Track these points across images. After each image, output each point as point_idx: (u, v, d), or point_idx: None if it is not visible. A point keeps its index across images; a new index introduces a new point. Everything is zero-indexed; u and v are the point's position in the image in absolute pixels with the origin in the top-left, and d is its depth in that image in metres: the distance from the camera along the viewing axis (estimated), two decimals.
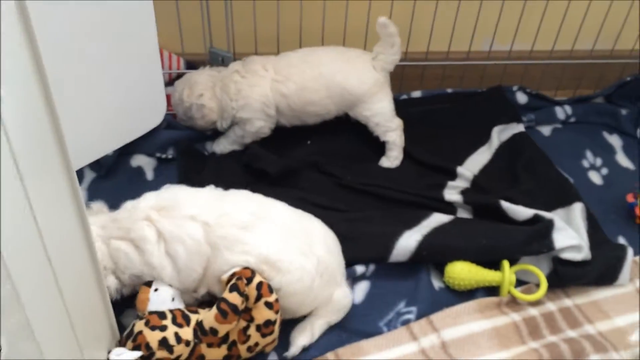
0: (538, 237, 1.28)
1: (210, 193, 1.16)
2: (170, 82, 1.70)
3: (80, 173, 1.39)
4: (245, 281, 1.03)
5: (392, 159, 1.53)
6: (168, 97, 1.67)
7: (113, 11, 1.06)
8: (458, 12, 1.61)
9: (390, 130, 1.50)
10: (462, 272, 1.24)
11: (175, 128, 1.56)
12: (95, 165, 1.41)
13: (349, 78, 1.45)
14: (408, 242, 1.27)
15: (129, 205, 1.12)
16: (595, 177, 1.58)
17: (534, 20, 1.65)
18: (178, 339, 1.02)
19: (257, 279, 1.05)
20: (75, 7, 1.00)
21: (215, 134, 1.56)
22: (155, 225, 1.08)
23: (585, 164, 1.61)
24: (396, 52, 1.45)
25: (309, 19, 1.58)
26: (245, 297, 1.04)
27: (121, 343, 1.05)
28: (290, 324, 1.17)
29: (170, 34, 1.54)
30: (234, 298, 1.01)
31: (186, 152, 1.50)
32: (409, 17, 1.61)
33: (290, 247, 1.11)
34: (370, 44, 1.62)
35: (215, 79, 1.46)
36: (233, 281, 1.03)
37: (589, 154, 1.63)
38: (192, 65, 1.66)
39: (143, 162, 1.47)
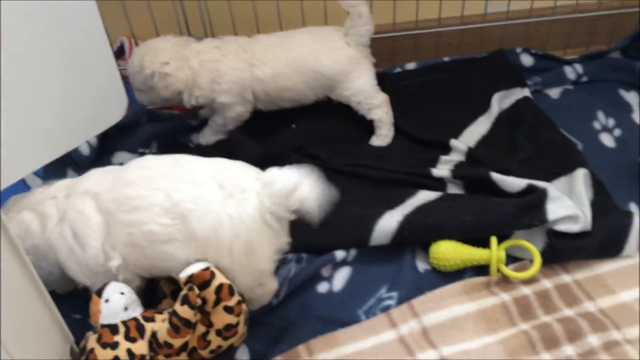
0: (529, 209, 1.17)
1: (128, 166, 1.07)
2: None
3: (62, 171, 1.39)
4: (197, 290, 0.97)
5: (381, 137, 1.45)
6: None
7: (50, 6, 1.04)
8: None
9: (375, 107, 1.42)
10: (447, 251, 1.16)
11: (157, 121, 1.54)
12: (75, 165, 1.40)
13: (321, 60, 1.38)
14: (388, 222, 1.20)
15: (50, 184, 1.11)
16: (607, 140, 1.45)
17: None
18: (131, 355, 0.96)
19: (216, 281, 0.98)
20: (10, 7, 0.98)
21: (201, 125, 1.52)
22: (57, 205, 1.05)
23: (597, 125, 1.48)
24: (366, 22, 1.36)
25: (287, 5, 1.51)
26: (202, 304, 0.99)
27: (77, 355, 1.01)
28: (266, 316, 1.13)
29: (144, 25, 1.52)
30: (185, 312, 0.95)
31: (169, 145, 1.47)
32: None
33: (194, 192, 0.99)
34: None
35: (184, 49, 1.37)
36: (185, 291, 0.97)
37: (600, 115, 1.49)
38: None
39: (126, 158, 1.46)
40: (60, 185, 1.09)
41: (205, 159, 1.05)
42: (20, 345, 0.81)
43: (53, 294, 1.17)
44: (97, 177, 1.08)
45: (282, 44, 1.40)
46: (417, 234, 1.19)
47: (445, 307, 1.10)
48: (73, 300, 1.16)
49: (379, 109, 1.42)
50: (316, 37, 1.40)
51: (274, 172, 1.00)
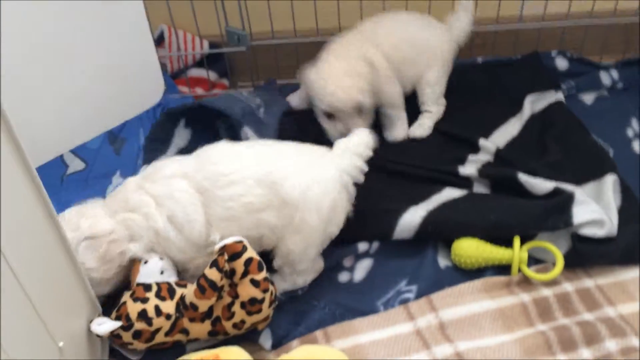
0: (555, 211, 1.17)
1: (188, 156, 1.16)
2: (193, 64, 1.72)
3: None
4: (226, 257, 1.01)
5: (424, 127, 1.47)
6: (192, 79, 1.71)
7: None
8: None
9: (438, 98, 1.49)
10: (469, 249, 1.17)
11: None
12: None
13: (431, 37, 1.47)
14: (413, 217, 1.21)
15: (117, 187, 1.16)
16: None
17: None
18: (158, 311, 1.02)
19: (247, 254, 1.03)
20: None
21: None
22: (148, 192, 1.10)
23: (630, 133, 1.46)
24: (470, 20, 1.48)
25: None
26: (231, 273, 1.03)
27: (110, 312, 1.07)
28: (289, 303, 1.16)
29: (187, 17, 1.55)
30: (213, 274, 1.00)
31: None
32: None
33: (282, 164, 1.11)
34: None
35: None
36: (216, 257, 1.01)
37: (634, 122, 1.48)
38: (214, 45, 1.67)
39: None
40: (137, 179, 1.14)
41: (283, 143, 1.19)
42: (51, 308, 0.85)
43: None
44: (175, 163, 1.13)
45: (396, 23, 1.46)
46: (440, 230, 1.20)
47: (464, 303, 1.11)
48: None
49: (438, 101, 1.48)
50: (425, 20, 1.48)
51: (341, 141, 1.15)
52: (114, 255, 1.07)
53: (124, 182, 1.15)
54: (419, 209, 1.23)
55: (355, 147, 1.13)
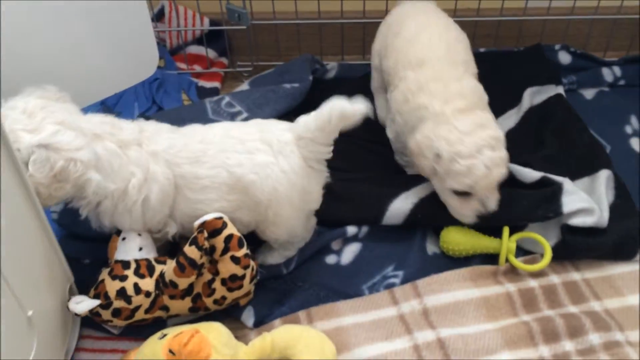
0: (544, 201, 1.16)
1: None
2: (193, 40, 1.71)
3: None
4: (206, 234, 1.00)
5: None
6: (191, 55, 1.69)
7: None
8: None
9: None
10: (457, 236, 1.16)
11: None
12: None
13: None
14: (403, 204, 1.20)
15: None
16: (638, 145, 1.42)
17: None
18: (137, 289, 1.01)
19: (227, 230, 1.02)
20: None
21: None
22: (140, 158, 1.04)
23: (629, 130, 1.45)
24: None
25: None
26: (211, 249, 1.02)
27: (88, 289, 1.06)
28: (274, 282, 1.15)
29: None
30: (192, 252, 0.99)
31: None
32: None
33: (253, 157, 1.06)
34: (393, 2, 1.55)
35: None
36: (195, 234, 1.00)
37: (633, 120, 1.47)
38: (215, 23, 1.66)
39: None
40: (133, 129, 1.06)
41: (246, 123, 1.14)
42: (20, 277, 0.84)
43: (68, 237, 1.22)
44: (165, 138, 1.07)
45: None
46: (430, 218, 1.19)
47: (449, 290, 1.10)
48: (85, 245, 1.20)
49: None
50: None
51: (300, 119, 1.08)
52: (69, 177, 0.94)
53: (136, 121, 1.09)
54: (410, 195, 1.22)
55: (311, 132, 1.05)
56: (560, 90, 1.49)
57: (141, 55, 1.23)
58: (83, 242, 1.21)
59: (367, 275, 1.17)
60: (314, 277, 1.16)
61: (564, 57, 1.60)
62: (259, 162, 1.05)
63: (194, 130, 1.11)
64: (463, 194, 1.10)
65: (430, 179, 1.16)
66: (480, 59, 1.58)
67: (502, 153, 1.09)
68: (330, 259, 1.20)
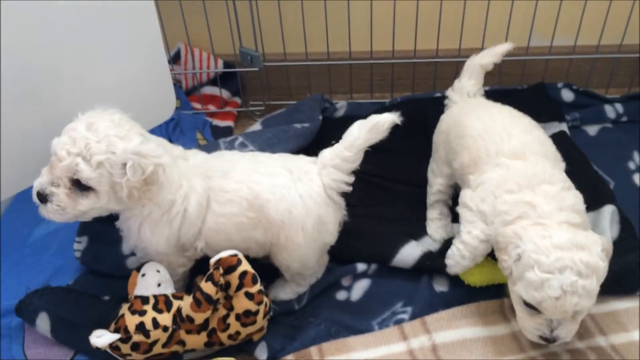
0: None
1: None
2: (207, 82, 1.78)
3: None
4: (222, 271, 1.05)
5: None
6: (205, 96, 1.76)
7: (111, 3, 1.13)
8: (489, 6, 1.55)
9: None
10: (477, 266, 1.17)
11: None
12: None
13: None
14: (413, 251, 1.25)
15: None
16: None
17: (576, 12, 1.54)
18: (155, 324, 1.05)
19: (242, 267, 1.06)
20: (76, 6, 1.08)
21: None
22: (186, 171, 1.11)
23: (632, 166, 1.48)
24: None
25: (335, 16, 1.58)
26: (226, 286, 1.06)
27: (110, 322, 1.10)
28: (286, 318, 1.19)
29: (201, 35, 1.61)
30: (208, 288, 1.03)
31: None
32: (437, 14, 1.56)
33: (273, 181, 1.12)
34: (399, 43, 1.61)
35: None
36: (211, 270, 1.05)
37: (636, 155, 1.50)
38: (228, 64, 1.72)
39: None
40: (179, 148, 1.16)
41: (273, 154, 1.21)
42: None
43: (89, 274, 1.27)
44: (202, 155, 1.17)
45: None
46: (438, 264, 1.22)
47: (457, 327, 1.13)
48: (105, 282, 1.25)
49: None
50: None
51: (324, 152, 1.15)
52: (157, 179, 1.04)
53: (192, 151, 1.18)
54: (420, 245, 1.27)
55: (335, 159, 1.12)
56: (563, 127, 1.54)
57: (159, 98, 1.29)
58: (103, 279, 1.26)
59: (377, 311, 1.20)
60: (325, 313, 1.20)
61: (567, 95, 1.64)
62: (276, 183, 1.12)
63: (224, 152, 1.20)
64: (532, 307, 1.01)
65: (507, 277, 1.07)
66: (485, 97, 1.66)
67: (589, 283, 0.97)
68: (341, 295, 1.24)
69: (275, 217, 1.11)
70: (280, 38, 1.63)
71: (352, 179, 1.14)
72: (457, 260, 1.16)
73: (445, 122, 1.33)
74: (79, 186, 1.01)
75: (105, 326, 1.10)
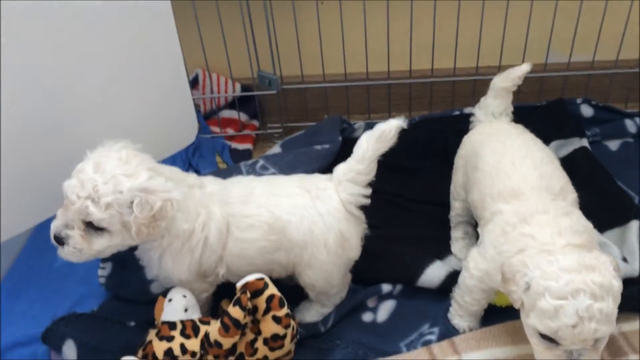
0: None
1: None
2: (225, 105, 1.79)
3: None
4: (249, 295, 1.04)
5: None
6: (224, 119, 1.77)
7: (134, 31, 1.15)
8: (506, 24, 1.55)
9: None
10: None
11: None
12: None
13: None
14: (438, 271, 1.25)
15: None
16: None
17: (593, 28, 1.54)
18: (184, 350, 1.05)
19: (268, 291, 1.06)
20: (97, 32, 1.09)
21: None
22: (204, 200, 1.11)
23: None
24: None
25: (351, 37, 1.59)
26: (253, 310, 1.05)
27: (137, 348, 1.10)
28: (312, 341, 1.18)
29: (221, 61, 1.63)
30: (236, 312, 1.02)
31: None
32: (454, 32, 1.57)
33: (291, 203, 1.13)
34: (416, 63, 1.61)
35: None
36: (238, 295, 1.04)
37: None
38: (246, 88, 1.74)
39: None
40: (194, 176, 1.15)
41: (289, 176, 1.21)
42: None
43: (114, 300, 1.27)
44: (219, 182, 1.16)
45: None
46: None
47: (487, 347, 1.11)
48: (130, 308, 1.25)
49: None
50: None
51: (337, 168, 1.15)
52: (166, 215, 1.02)
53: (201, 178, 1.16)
54: (445, 265, 1.26)
55: (349, 174, 1.12)
56: (584, 142, 1.53)
57: (182, 123, 1.30)
58: (129, 304, 1.26)
59: (404, 333, 1.19)
60: (351, 335, 1.19)
61: (586, 110, 1.63)
62: (295, 204, 1.12)
63: (241, 178, 1.20)
64: (549, 339, 0.94)
65: (520, 310, 1.00)
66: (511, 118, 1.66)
67: (606, 306, 0.90)
68: (367, 317, 1.23)
69: (297, 238, 1.11)
70: (297, 60, 1.64)
71: (369, 191, 1.14)
72: (453, 317, 1.18)
73: (465, 147, 1.31)
74: (93, 227, 1.01)
75: (132, 352, 1.10)
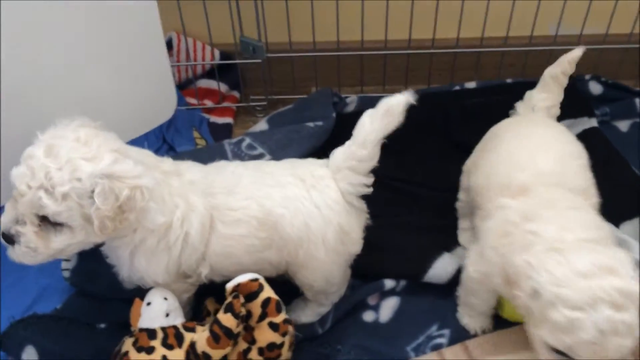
0: None
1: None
2: (203, 74, 1.62)
3: None
4: (242, 299, 0.91)
5: None
6: (201, 90, 1.60)
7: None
8: None
9: None
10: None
11: None
12: None
13: None
14: (447, 264, 1.14)
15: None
16: None
17: None
18: None
19: (264, 294, 0.93)
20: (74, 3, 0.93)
21: None
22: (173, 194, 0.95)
23: None
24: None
25: (346, 2, 1.43)
26: (246, 316, 0.92)
27: (111, 357, 0.95)
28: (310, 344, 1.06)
29: (198, 24, 1.45)
30: (227, 320, 0.89)
31: None
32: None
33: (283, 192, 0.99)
34: (416, 32, 1.48)
35: None
36: (229, 299, 0.91)
37: None
38: (226, 55, 1.57)
39: None
40: (171, 161, 0.99)
41: (278, 162, 1.07)
42: None
43: (80, 297, 1.12)
44: (200, 169, 1.01)
45: None
46: None
47: (504, 353, 1.02)
48: (99, 306, 1.10)
49: None
50: None
51: (335, 153, 1.01)
52: (135, 206, 0.86)
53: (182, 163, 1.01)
54: (454, 257, 1.15)
55: (350, 161, 0.99)
56: (594, 122, 1.43)
57: (159, 96, 1.14)
58: (98, 302, 1.11)
59: (410, 335, 1.08)
60: (352, 339, 1.07)
61: (595, 88, 1.52)
62: (288, 195, 0.98)
63: (226, 164, 1.05)
64: (562, 354, 0.82)
65: (524, 318, 0.89)
66: (507, 90, 1.54)
67: (629, 316, 0.77)
68: (368, 316, 1.11)
69: (291, 234, 0.97)
70: (285, 26, 1.48)
71: (371, 179, 1.00)
72: (463, 317, 1.08)
73: (490, 132, 1.17)
74: (49, 222, 0.85)
75: (103, 359, 0.96)
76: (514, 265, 0.86)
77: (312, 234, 0.98)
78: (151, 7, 1.05)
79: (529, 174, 0.99)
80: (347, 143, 0.99)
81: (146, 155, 0.96)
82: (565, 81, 1.16)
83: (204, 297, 1.07)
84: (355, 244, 1.04)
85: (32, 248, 0.86)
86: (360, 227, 1.04)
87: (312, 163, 1.05)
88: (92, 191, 0.83)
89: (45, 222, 0.85)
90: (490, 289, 1.00)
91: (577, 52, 1.13)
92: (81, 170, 0.83)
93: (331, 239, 0.99)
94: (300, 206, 0.98)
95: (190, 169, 1.00)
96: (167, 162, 0.98)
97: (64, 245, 0.87)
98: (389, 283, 1.13)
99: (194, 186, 0.97)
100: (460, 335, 1.06)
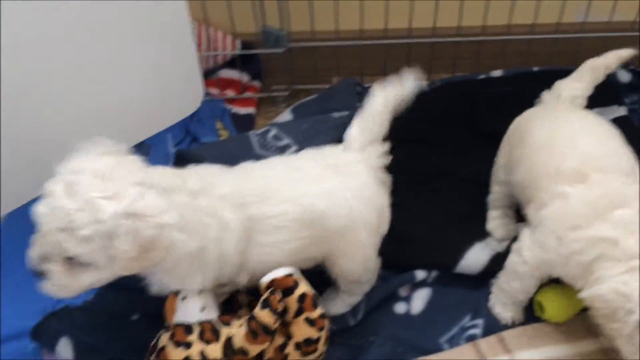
0: None
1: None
2: (224, 64, 1.60)
3: None
4: (279, 295, 0.90)
5: None
6: (223, 80, 1.59)
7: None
8: None
9: None
10: (558, 304, 1.02)
11: None
12: None
13: None
14: (479, 255, 1.12)
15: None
16: None
17: None
18: (204, 358, 0.90)
19: (300, 289, 0.91)
20: None
21: None
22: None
23: None
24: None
25: None
26: (283, 312, 0.91)
27: (147, 354, 0.95)
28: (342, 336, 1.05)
29: (219, 13, 1.44)
30: (265, 316, 0.88)
31: None
32: None
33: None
34: (440, 19, 1.45)
35: None
36: (266, 295, 0.89)
37: None
38: (248, 45, 1.55)
39: None
40: (196, 176, 0.93)
41: (304, 155, 1.04)
42: None
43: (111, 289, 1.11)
44: (229, 179, 0.96)
45: None
46: None
47: (541, 345, 1.00)
48: (132, 297, 1.09)
49: None
50: None
51: (351, 133, 1.02)
52: (161, 245, 0.82)
53: (188, 169, 0.95)
54: (487, 248, 1.14)
55: (367, 135, 1.01)
56: (623, 111, 1.41)
57: (186, 88, 1.12)
58: (129, 293, 1.09)
59: (444, 327, 1.06)
60: (385, 330, 1.06)
61: (624, 76, 1.50)
62: (325, 188, 0.96)
63: (252, 167, 1.00)
64: None
65: (616, 341, 0.87)
66: (534, 79, 1.52)
67: None
68: (400, 308, 1.10)
69: (337, 225, 0.95)
70: (307, 15, 1.45)
71: (387, 146, 1.02)
72: (495, 306, 1.07)
73: (514, 124, 1.16)
74: (76, 260, 0.81)
75: (137, 352, 0.95)
76: (604, 299, 0.85)
77: (356, 220, 0.97)
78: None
79: (577, 159, 0.97)
80: (357, 120, 1.02)
81: (170, 175, 0.91)
82: (602, 76, 1.14)
83: None
84: (386, 221, 1.03)
85: (63, 284, 0.83)
86: (389, 202, 1.03)
87: (336, 150, 1.03)
88: (115, 232, 0.78)
89: (72, 260, 0.81)
90: (540, 276, 0.99)
91: (628, 52, 1.13)
92: (103, 211, 0.78)
93: (373, 221, 0.99)
94: (340, 196, 0.96)
95: (217, 182, 0.94)
96: (191, 179, 0.92)
97: (92, 281, 0.84)
98: (420, 274, 1.12)
99: (224, 201, 0.92)
100: (494, 325, 1.04)
